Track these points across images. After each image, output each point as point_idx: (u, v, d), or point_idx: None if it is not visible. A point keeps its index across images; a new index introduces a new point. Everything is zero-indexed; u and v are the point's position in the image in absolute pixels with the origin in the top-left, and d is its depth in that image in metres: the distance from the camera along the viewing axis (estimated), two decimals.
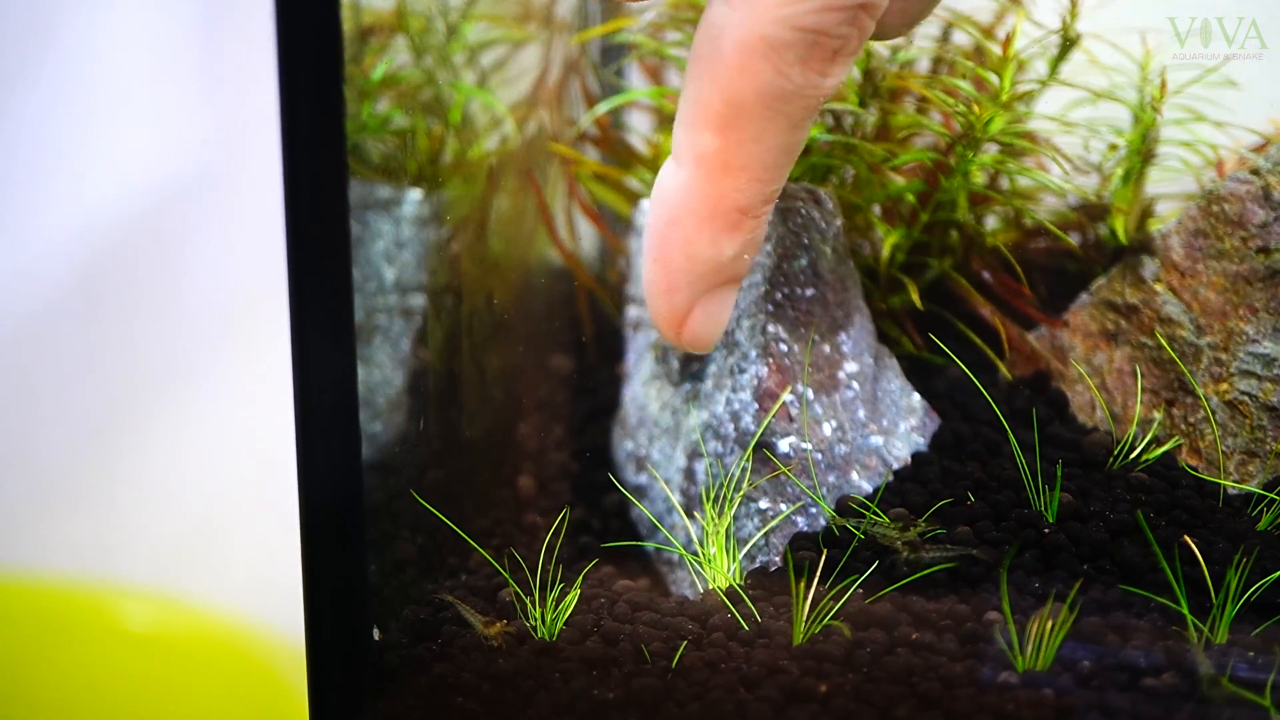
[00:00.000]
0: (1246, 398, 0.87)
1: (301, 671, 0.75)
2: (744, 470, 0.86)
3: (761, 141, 0.72)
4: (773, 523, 0.85)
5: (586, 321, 1.10)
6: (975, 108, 0.89)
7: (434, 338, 0.93)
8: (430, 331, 0.92)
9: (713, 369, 0.91)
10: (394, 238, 0.91)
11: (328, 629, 0.74)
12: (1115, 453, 0.87)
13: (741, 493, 0.85)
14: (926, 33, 1.00)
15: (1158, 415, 0.90)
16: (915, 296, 0.93)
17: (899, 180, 0.96)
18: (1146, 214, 1.00)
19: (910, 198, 0.95)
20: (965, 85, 0.91)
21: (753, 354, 0.88)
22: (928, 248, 0.97)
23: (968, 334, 0.95)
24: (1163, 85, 0.94)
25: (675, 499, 0.90)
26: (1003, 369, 0.95)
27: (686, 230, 0.75)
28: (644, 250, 0.78)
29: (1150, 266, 0.92)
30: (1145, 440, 0.88)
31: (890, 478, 0.88)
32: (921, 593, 0.78)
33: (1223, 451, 0.87)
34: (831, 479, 0.87)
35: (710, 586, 0.83)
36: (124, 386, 1.54)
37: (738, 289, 0.81)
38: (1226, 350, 0.88)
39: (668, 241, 0.76)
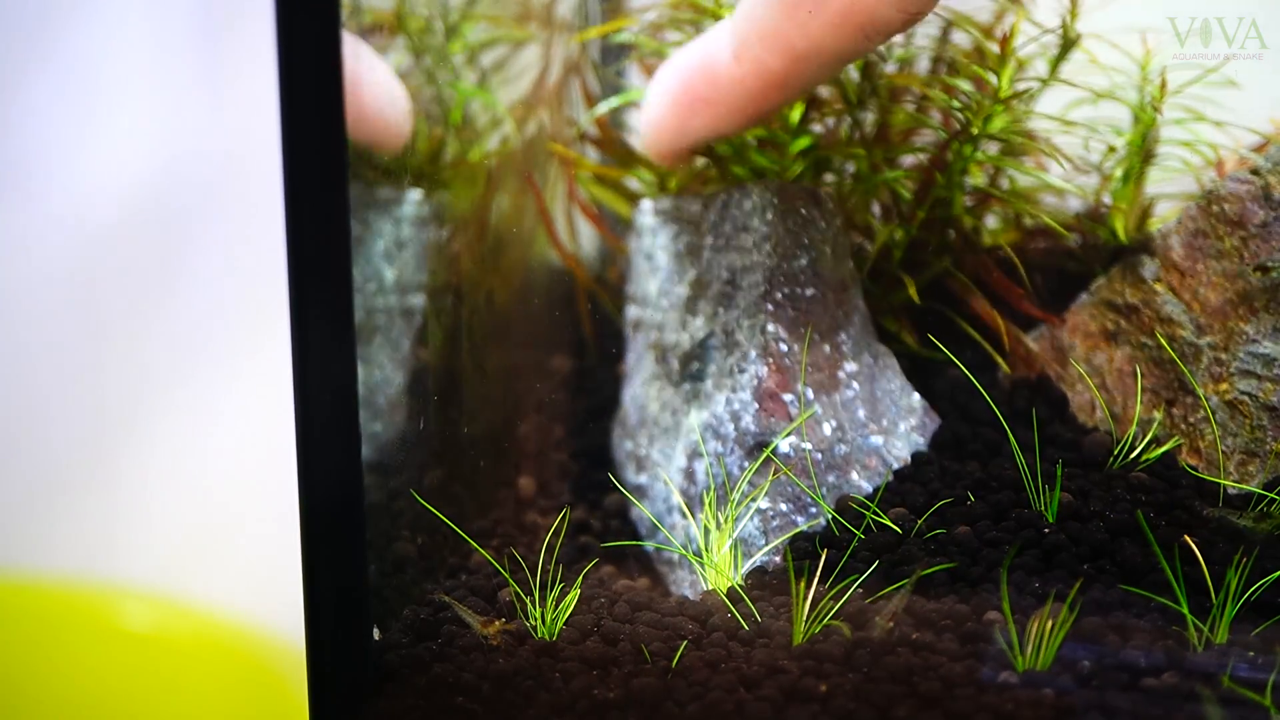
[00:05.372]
0: (1246, 398, 0.87)
1: (301, 671, 0.75)
2: (744, 470, 0.86)
3: None
4: (773, 523, 0.85)
5: (586, 321, 1.10)
6: (973, 105, 0.89)
7: (434, 338, 0.93)
8: (430, 331, 0.92)
9: (713, 369, 0.91)
10: (394, 238, 0.91)
11: (328, 629, 0.74)
12: (1115, 453, 0.87)
13: (749, 497, 0.85)
14: (926, 32, 1.00)
15: (1158, 415, 0.90)
16: (914, 293, 0.93)
17: (898, 170, 0.96)
18: (1146, 214, 1.00)
19: (905, 192, 0.95)
20: (964, 84, 0.91)
21: (753, 354, 0.88)
22: (926, 246, 0.97)
23: (968, 333, 0.95)
24: (1163, 85, 0.94)
25: (677, 499, 0.90)
26: (1003, 368, 0.94)
27: None
28: None
29: (1150, 266, 0.92)
30: (1145, 440, 0.88)
31: (890, 478, 0.88)
32: (922, 593, 0.78)
33: (1223, 451, 0.87)
34: (831, 479, 0.86)
35: (710, 587, 0.83)
36: (124, 386, 1.54)
37: None
38: (1226, 350, 0.88)
39: None
